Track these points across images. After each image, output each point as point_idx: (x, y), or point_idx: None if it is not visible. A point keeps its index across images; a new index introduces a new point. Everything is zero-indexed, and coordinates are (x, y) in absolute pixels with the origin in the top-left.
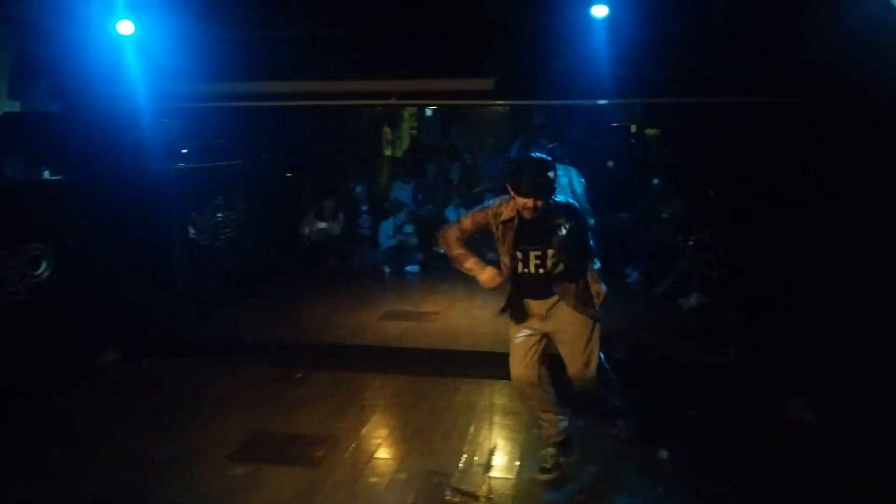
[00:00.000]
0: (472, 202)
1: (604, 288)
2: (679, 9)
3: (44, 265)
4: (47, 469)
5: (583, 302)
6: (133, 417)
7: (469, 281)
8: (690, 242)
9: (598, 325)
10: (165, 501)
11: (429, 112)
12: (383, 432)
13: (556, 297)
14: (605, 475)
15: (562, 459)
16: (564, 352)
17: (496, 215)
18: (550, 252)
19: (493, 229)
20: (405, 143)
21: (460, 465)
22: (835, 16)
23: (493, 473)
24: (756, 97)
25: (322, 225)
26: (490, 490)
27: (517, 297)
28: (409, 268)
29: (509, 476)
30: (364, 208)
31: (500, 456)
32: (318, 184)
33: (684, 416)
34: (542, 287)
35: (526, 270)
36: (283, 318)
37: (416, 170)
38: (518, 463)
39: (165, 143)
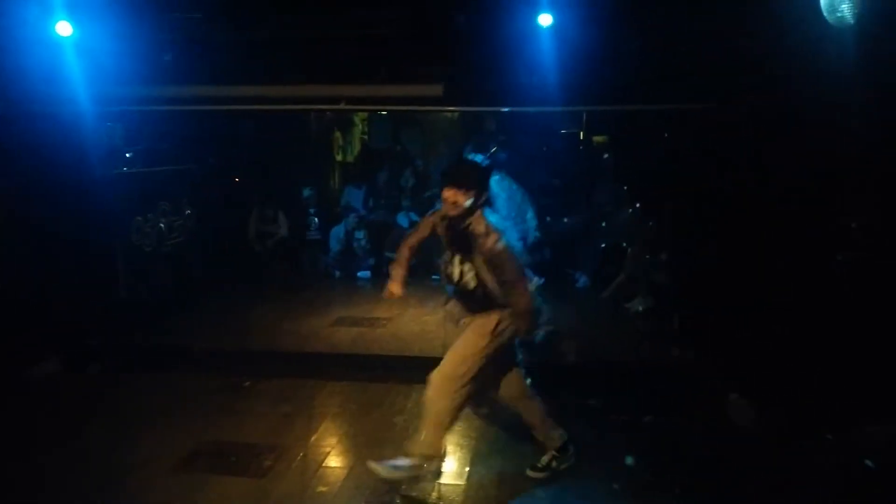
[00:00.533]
0: (422, 207)
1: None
2: (623, 18)
3: None
4: None
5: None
6: (73, 429)
7: (420, 287)
8: (635, 247)
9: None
10: None
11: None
12: (333, 440)
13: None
14: (562, 478)
15: (554, 465)
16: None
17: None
18: (457, 259)
19: (439, 231)
20: (356, 148)
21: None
22: (776, 23)
23: (444, 480)
24: (698, 104)
25: (267, 229)
26: (440, 496)
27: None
28: (360, 273)
29: (459, 482)
30: (312, 212)
31: (450, 462)
32: (267, 189)
33: (629, 417)
34: (473, 302)
35: (451, 274)
36: (230, 326)
37: (367, 175)
38: (468, 469)
39: (108, 148)
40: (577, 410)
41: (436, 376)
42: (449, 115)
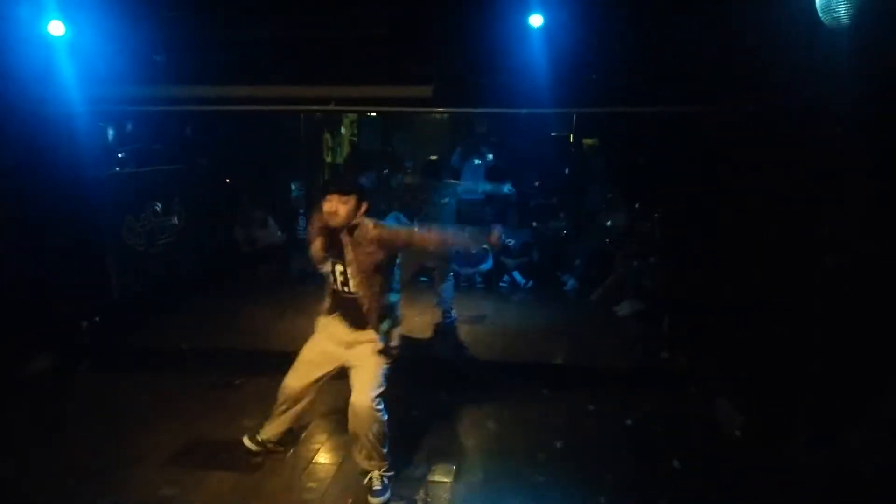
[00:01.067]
0: (411, 208)
1: (396, 329)
2: (615, 19)
3: None
4: None
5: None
6: (63, 427)
7: (409, 288)
8: (626, 250)
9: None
10: None
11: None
12: (322, 438)
13: (367, 334)
14: (546, 476)
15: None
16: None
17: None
18: (340, 268)
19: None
20: (345, 149)
21: (399, 470)
22: (770, 23)
23: (432, 477)
24: (689, 107)
25: (253, 233)
26: (428, 494)
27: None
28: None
29: (447, 479)
30: (301, 212)
31: (438, 460)
32: (254, 191)
33: (620, 420)
34: (353, 312)
35: (334, 286)
36: (221, 325)
37: (356, 176)
38: (455, 467)
39: (100, 147)
40: (566, 412)
41: (359, 408)
42: (439, 116)
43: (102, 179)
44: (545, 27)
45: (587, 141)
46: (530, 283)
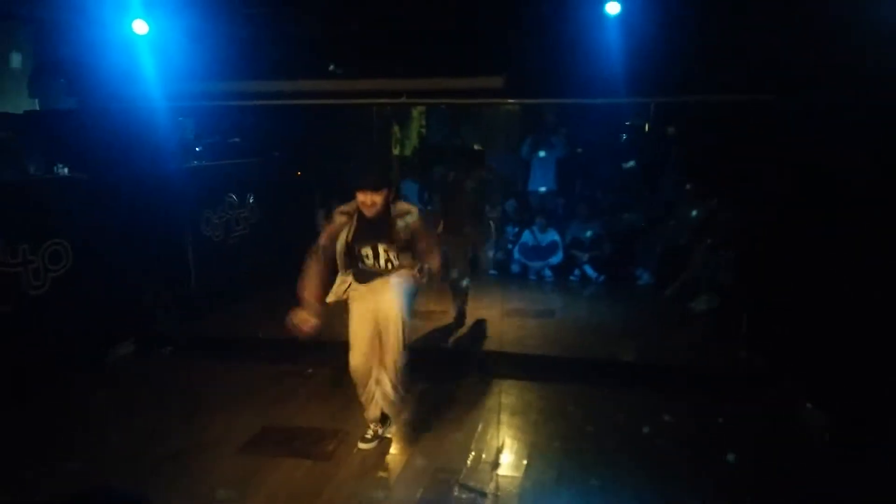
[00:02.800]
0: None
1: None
2: (693, 6)
3: (64, 260)
4: (59, 459)
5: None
6: (144, 411)
7: (480, 282)
8: (704, 244)
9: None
10: (175, 491)
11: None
12: (393, 428)
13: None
14: (616, 474)
15: (380, 430)
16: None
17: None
18: (368, 251)
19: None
20: (414, 141)
21: (468, 462)
22: (860, 11)
23: (501, 471)
24: (774, 96)
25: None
26: (497, 487)
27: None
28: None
29: (516, 474)
30: None
31: (507, 454)
32: (328, 182)
33: (695, 421)
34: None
35: (364, 265)
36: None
37: (425, 169)
38: (525, 461)
39: (180, 142)
40: (638, 412)
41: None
42: (509, 107)
43: (182, 173)
44: (622, 14)
45: (669, 130)
46: (602, 277)
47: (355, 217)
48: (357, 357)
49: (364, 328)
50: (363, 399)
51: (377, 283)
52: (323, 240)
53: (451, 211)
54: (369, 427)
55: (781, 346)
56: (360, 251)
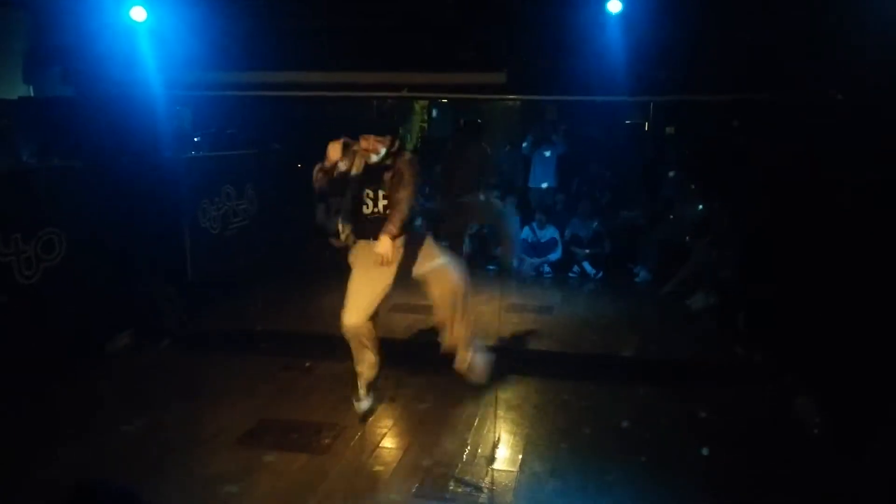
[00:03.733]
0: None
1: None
2: (694, 4)
3: (57, 250)
4: (56, 451)
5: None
6: (142, 402)
7: (479, 277)
8: (703, 241)
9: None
10: (173, 484)
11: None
12: (388, 422)
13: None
14: (612, 469)
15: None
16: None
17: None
18: (370, 193)
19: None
20: (415, 136)
21: (464, 456)
22: (858, 7)
23: (497, 466)
24: (774, 95)
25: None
26: (493, 482)
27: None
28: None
29: (512, 469)
30: None
31: (503, 448)
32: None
33: (692, 416)
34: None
35: (362, 211)
36: (292, 308)
37: (426, 163)
38: (521, 456)
39: (177, 131)
40: (635, 407)
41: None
42: (510, 104)
43: (179, 163)
44: (624, 13)
45: (669, 129)
46: (601, 273)
47: (356, 160)
48: (352, 315)
49: (365, 288)
50: (357, 360)
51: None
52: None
53: (450, 181)
54: (360, 388)
55: (779, 342)
56: (366, 192)
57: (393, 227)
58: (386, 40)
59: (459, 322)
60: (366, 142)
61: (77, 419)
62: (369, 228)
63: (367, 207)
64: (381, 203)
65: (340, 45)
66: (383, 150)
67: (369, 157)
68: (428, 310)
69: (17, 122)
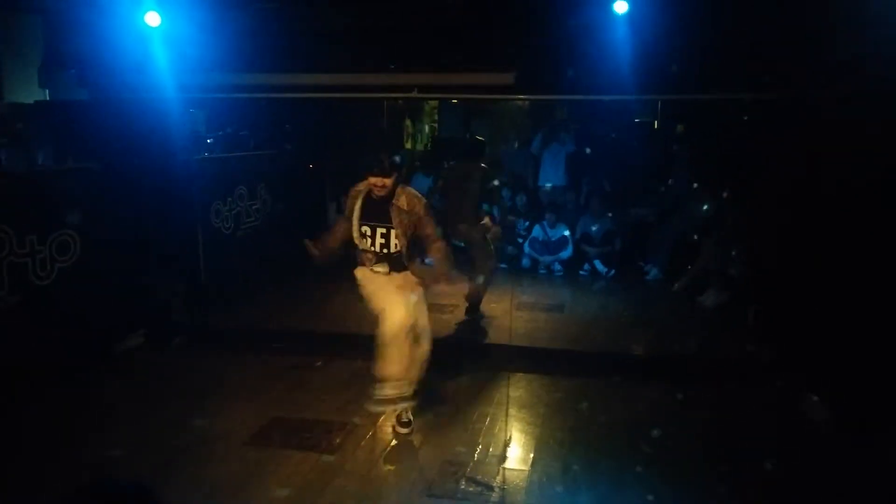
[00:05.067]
0: (490, 195)
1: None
2: (701, 4)
3: (72, 251)
4: (68, 450)
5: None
6: (154, 402)
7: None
8: (713, 238)
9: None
10: (184, 483)
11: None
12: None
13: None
14: (624, 468)
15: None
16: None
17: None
18: (382, 231)
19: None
20: (426, 136)
21: (476, 455)
22: (866, 9)
23: (508, 465)
24: (781, 93)
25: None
26: (505, 481)
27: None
28: (427, 260)
29: (524, 468)
30: None
31: (514, 448)
32: (340, 175)
33: (703, 414)
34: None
35: (373, 248)
36: (303, 307)
37: (437, 163)
38: (532, 455)
39: (191, 133)
40: (646, 404)
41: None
42: (519, 103)
43: (193, 164)
44: (630, 13)
45: (679, 127)
46: (612, 271)
47: (363, 197)
48: (397, 310)
49: (398, 293)
50: (394, 362)
51: (394, 277)
52: (347, 212)
53: (450, 206)
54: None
55: (789, 339)
56: (362, 229)
57: (442, 268)
58: (395, 42)
59: (394, 360)
60: (374, 178)
61: (89, 419)
62: (381, 264)
63: (370, 240)
64: (379, 241)
65: (350, 47)
66: (390, 186)
67: (377, 193)
68: (440, 308)
69: (33, 125)
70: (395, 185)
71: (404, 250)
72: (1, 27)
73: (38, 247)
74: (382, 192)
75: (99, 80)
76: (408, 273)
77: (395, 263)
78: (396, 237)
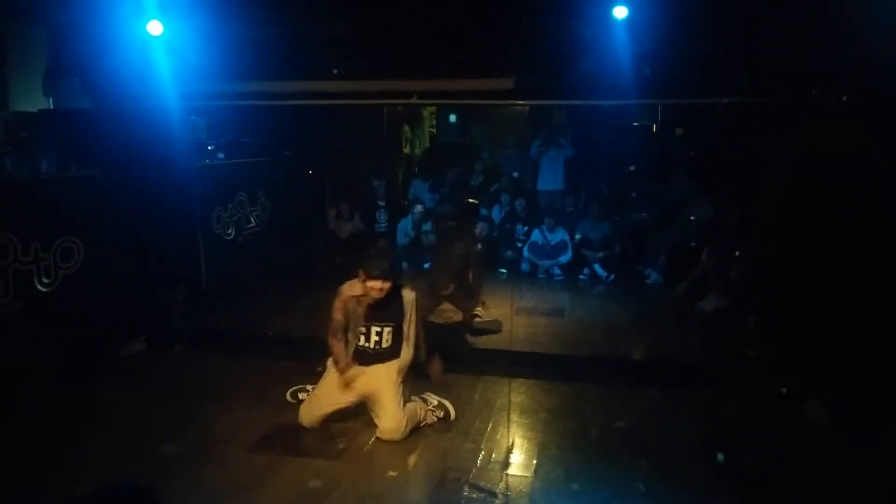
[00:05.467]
0: (489, 201)
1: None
2: (701, 9)
3: (76, 257)
4: (70, 456)
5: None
6: (155, 407)
7: (490, 280)
8: (713, 243)
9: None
10: (186, 489)
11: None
12: None
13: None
14: (626, 473)
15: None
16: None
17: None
18: (374, 329)
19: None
20: (425, 141)
21: (478, 461)
22: (866, 12)
23: (511, 471)
24: (781, 96)
25: (345, 225)
26: (507, 487)
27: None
28: (426, 265)
29: (526, 474)
30: (382, 204)
31: (517, 453)
32: (340, 181)
33: (705, 418)
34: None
35: (365, 345)
36: (304, 313)
37: (436, 169)
38: (535, 461)
39: (192, 141)
40: (647, 409)
41: (395, 431)
42: (518, 108)
43: (194, 171)
44: (629, 19)
45: (678, 130)
46: (612, 276)
47: (361, 300)
48: (391, 420)
49: (335, 397)
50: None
51: (372, 369)
52: (337, 315)
53: (439, 266)
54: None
55: (787, 343)
56: (359, 329)
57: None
58: (395, 48)
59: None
60: (374, 283)
61: (91, 424)
62: (367, 359)
63: (367, 338)
64: (373, 338)
65: (350, 53)
66: (388, 288)
67: (375, 295)
68: (441, 314)
69: (36, 133)
70: (392, 285)
71: (395, 347)
72: (6, 38)
73: (42, 254)
74: (380, 295)
75: (102, 89)
76: (390, 363)
77: (383, 356)
78: (389, 334)
